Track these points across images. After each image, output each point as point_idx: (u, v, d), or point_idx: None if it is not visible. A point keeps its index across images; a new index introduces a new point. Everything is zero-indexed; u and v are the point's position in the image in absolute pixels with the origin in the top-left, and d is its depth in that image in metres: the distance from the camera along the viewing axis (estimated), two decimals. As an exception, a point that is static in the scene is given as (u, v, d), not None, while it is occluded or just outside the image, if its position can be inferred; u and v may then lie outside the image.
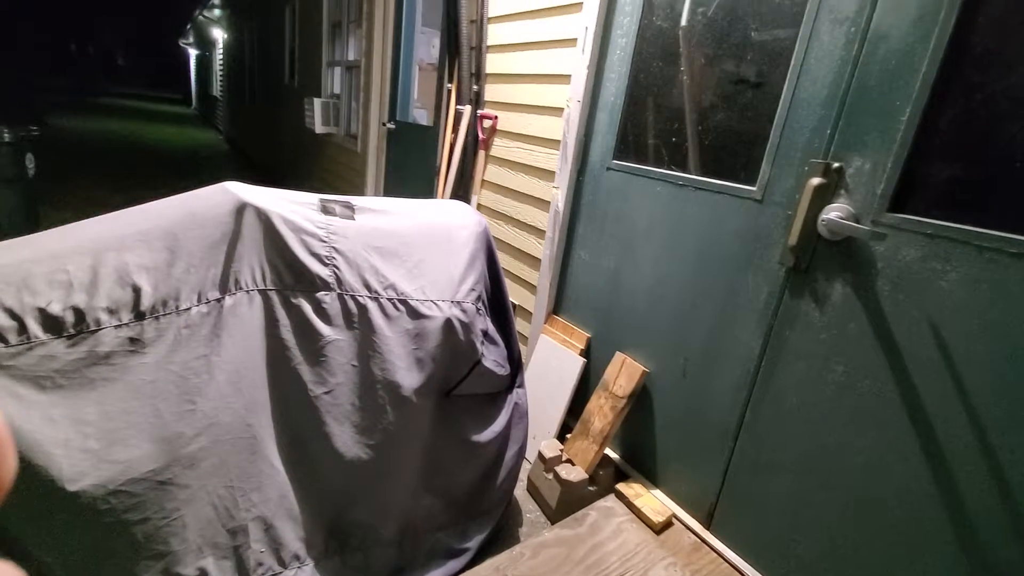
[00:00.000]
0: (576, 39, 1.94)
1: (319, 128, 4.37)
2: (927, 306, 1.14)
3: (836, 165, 1.27)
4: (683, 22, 1.66)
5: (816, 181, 1.28)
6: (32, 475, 1.06)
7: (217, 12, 11.98)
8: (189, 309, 1.26)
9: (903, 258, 1.17)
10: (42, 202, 3.86)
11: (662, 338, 1.74)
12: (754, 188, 1.46)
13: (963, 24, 1.09)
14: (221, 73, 13.02)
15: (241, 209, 1.34)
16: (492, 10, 2.49)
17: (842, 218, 1.24)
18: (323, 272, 1.38)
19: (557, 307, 2.22)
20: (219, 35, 13.00)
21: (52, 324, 1.12)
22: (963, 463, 1.09)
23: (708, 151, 1.63)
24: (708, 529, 1.61)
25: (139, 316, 1.20)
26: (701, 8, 1.60)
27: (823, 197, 1.28)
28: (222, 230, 1.31)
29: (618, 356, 1.87)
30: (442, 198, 2.75)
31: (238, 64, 10.59)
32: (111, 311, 1.18)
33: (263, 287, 1.35)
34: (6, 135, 3.26)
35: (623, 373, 1.82)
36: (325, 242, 1.41)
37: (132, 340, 1.19)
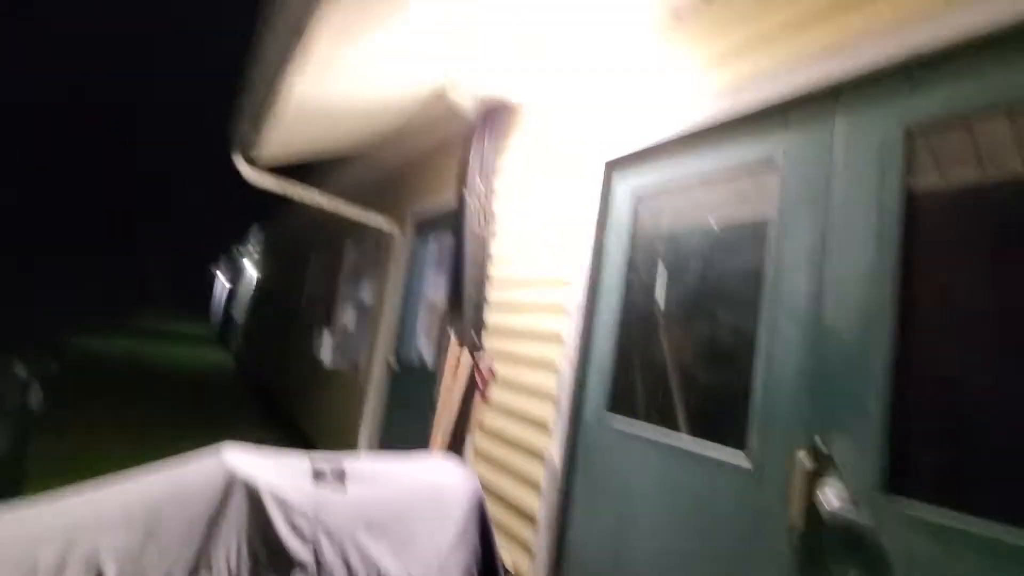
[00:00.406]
0: (566, 307, 2.18)
1: (327, 359, 4.58)
2: (955, 613, 1.04)
3: (823, 448, 1.29)
4: (658, 301, 1.88)
5: (806, 463, 1.29)
6: None
7: (250, 247, 13.64)
8: (147, 603, 1.15)
9: (911, 549, 1.11)
10: (40, 432, 3.81)
11: (674, 627, 1.54)
12: (746, 461, 1.46)
13: (905, 326, 1.23)
14: (246, 299, 14.18)
15: (230, 486, 1.33)
16: (493, 271, 2.84)
17: (840, 503, 1.22)
18: (302, 552, 1.30)
19: (557, 571, 2.01)
20: (248, 265, 14.57)
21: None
22: None
23: (695, 411, 1.69)
24: None
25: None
26: (673, 290, 1.84)
27: (816, 476, 1.28)
28: (206, 509, 1.29)
29: (627, 648, 1.63)
30: (438, 441, 2.73)
31: (261, 293, 11.63)
32: (65, 606, 1.08)
33: (235, 572, 1.25)
34: (22, 372, 3.38)
35: (634, 672, 1.56)
36: (311, 519, 1.36)
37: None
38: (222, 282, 21.92)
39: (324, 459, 1.56)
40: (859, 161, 1.39)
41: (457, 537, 1.49)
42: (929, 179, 1.31)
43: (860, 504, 1.21)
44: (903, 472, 1.19)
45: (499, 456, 2.44)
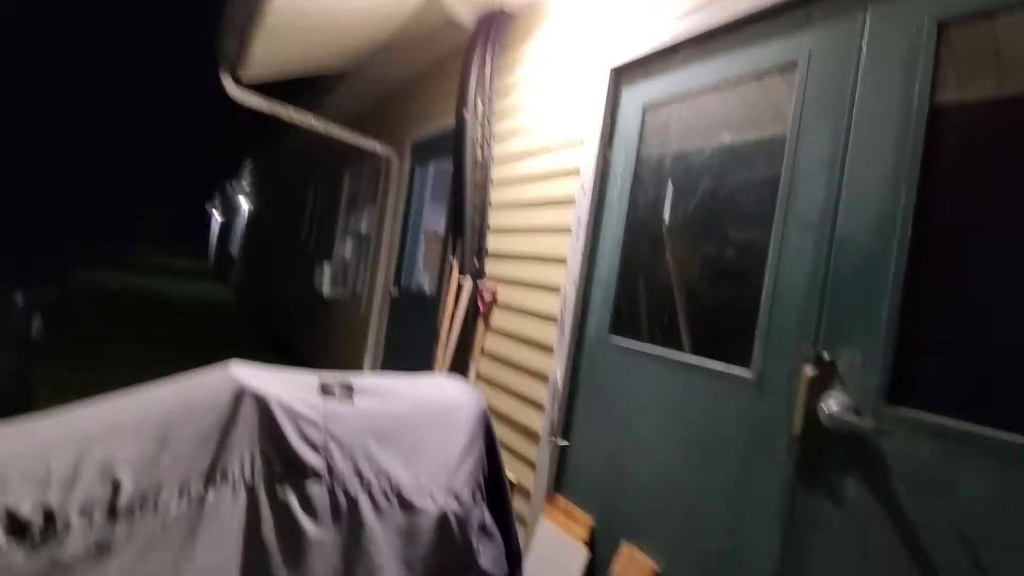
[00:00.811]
0: (570, 227, 2.13)
1: (327, 290, 4.59)
2: (950, 510, 1.07)
3: (827, 356, 1.30)
4: (665, 219, 1.84)
5: (810, 371, 1.30)
6: None
7: (244, 182, 13.35)
8: (168, 506, 1.19)
9: (912, 455, 1.14)
10: (41, 359, 3.88)
11: (671, 531, 1.62)
12: (749, 373, 1.47)
13: (920, 232, 1.19)
14: (241, 235, 14.04)
15: (240, 396, 1.34)
16: (494, 197, 2.77)
17: (842, 408, 1.24)
18: (315, 461, 1.33)
19: (558, 486, 2.10)
20: (243, 200, 14.31)
21: (18, 527, 1.05)
22: None
23: (700, 331, 1.69)
24: None
25: (113, 515, 1.13)
26: (680, 208, 1.79)
27: (819, 387, 1.29)
28: (217, 419, 1.30)
29: (625, 549, 1.71)
30: (441, 367, 2.77)
31: (257, 228, 11.50)
32: (84, 511, 1.11)
33: (250, 480, 1.28)
34: (20, 300, 3.39)
35: (631, 570, 1.65)
36: (320, 428, 1.38)
37: (99, 546, 1.10)
38: (217, 218, 21.65)
39: (331, 376, 1.57)
40: (886, 62, 1.30)
41: (464, 449, 1.53)
42: (955, 86, 1.23)
43: (862, 412, 1.23)
44: (907, 382, 1.19)
45: (502, 379, 2.48)
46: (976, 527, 1.04)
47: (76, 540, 1.09)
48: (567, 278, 2.11)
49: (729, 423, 1.51)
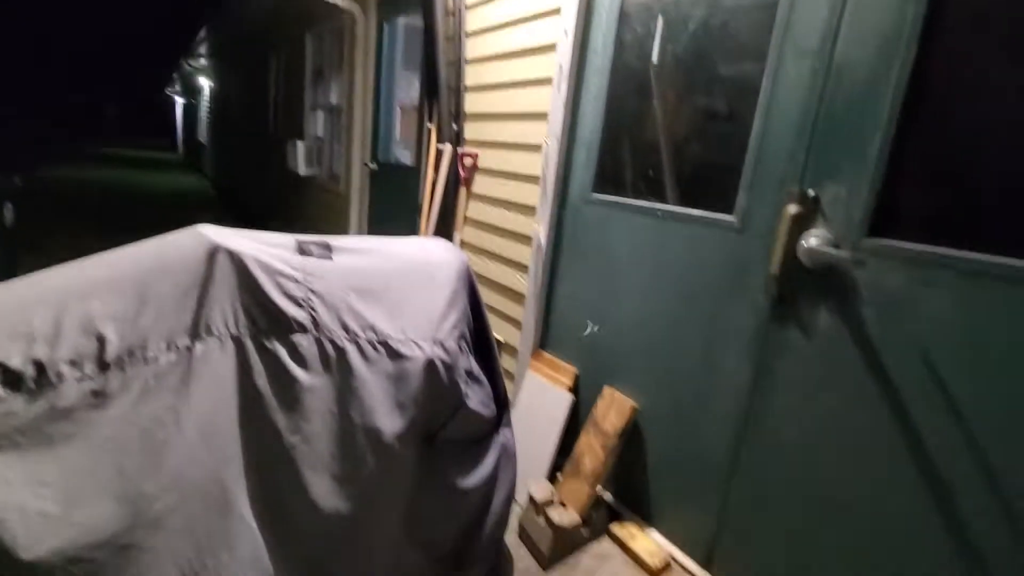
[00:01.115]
0: (551, 78, 1.98)
1: (302, 170, 4.40)
2: (914, 333, 1.12)
3: (812, 193, 1.27)
4: (653, 60, 1.70)
5: (793, 209, 1.28)
6: (-19, 544, 0.99)
7: (203, 61, 12.23)
8: (157, 358, 1.21)
9: (886, 284, 1.16)
10: (23, 249, 3.79)
11: (651, 372, 1.71)
12: (732, 217, 1.46)
13: (924, 54, 1.11)
14: (207, 120, 13.19)
15: (213, 253, 1.31)
16: (469, 52, 2.54)
17: (821, 245, 1.24)
18: (299, 314, 1.34)
19: (543, 342, 2.18)
20: (205, 83, 13.23)
21: (11, 379, 1.07)
22: (961, 485, 1.06)
23: (685, 182, 1.64)
24: (707, 569, 1.54)
25: (103, 367, 1.15)
26: (670, 46, 1.65)
27: (801, 225, 1.28)
28: (194, 275, 1.28)
29: (607, 391, 1.83)
30: (425, 235, 2.74)
31: (223, 110, 10.74)
32: (74, 363, 1.12)
33: (236, 333, 1.30)
34: (-18, 186, 3.22)
35: (613, 409, 1.78)
36: (301, 284, 1.37)
37: (95, 393, 1.13)
38: (180, 105, 20.15)
39: (307, 236, 1.54)
40: None
41: (447, 302, 1.55)
42: None
43: (841, 245, 1.23)
44: (888, 214, 1.18)
45: (486, 244, 2.47)
46: (936, 344, 1.09)
47: (71, 388, 1.11)
48: (549, 134, 2.01)
49: (709, 269, 1.52)
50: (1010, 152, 1.06)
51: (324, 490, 1.30)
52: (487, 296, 2.41)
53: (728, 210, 1.48)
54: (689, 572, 1.56)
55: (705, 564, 1.55)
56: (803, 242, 1.27)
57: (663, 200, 1.69)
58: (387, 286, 1.49)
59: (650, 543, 1.63)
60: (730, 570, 1.49)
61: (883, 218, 1.19)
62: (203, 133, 13.98)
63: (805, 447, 1.30)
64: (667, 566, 1.57)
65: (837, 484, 1.24)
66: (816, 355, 1.28)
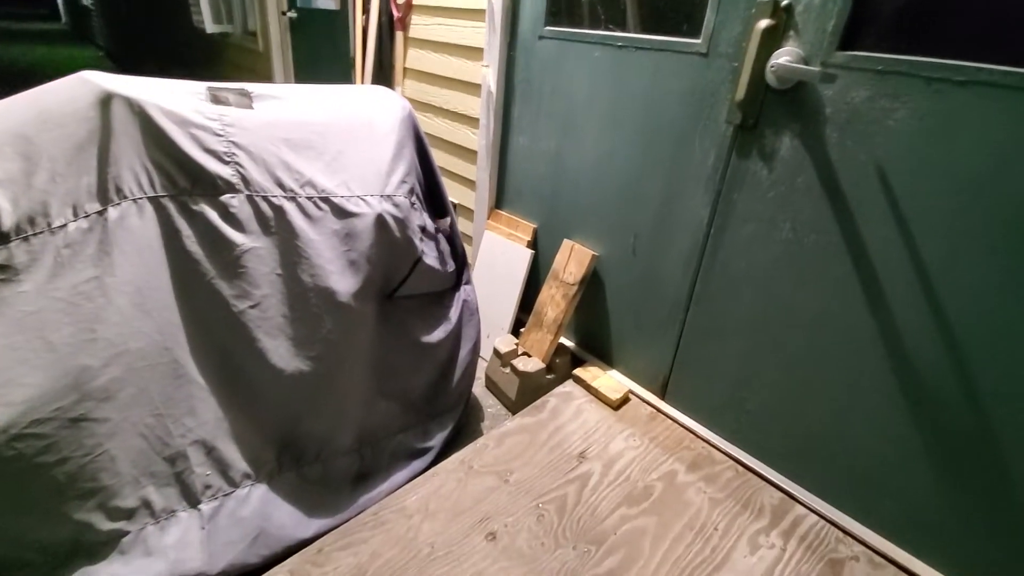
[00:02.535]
0: None
1: (210, 27, 3.79)
2: (874, 149, 1.10)
3: (785, 2, 1.16)
4: None
5: (764, 23, 1.17)
6: (-94, 430, 0.91)
7: None
8: (65, 226, 1.06)
9: (852, 100, 1.11)
10: None
11: (610, 219, 1.68)
12: (698, 40, 1.34)
13: None
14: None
15: (106, 101, 1.11)
16: None
17: (791, 63, 1.16)
18: (224, 172, 1.19)
19: (499, 201, 2.10)
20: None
21: None
22: (904, 304, 1.12)
23: (648, 5, 1.48)
24: (663, 399, 1.66)
25: (2, 239, 1.00)
26: None
27: (772, 41, 1.18)
28: (87, 128, 1.09)
29: (566, 244, 1.80)
30: (362, 93, 2.47)
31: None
32: (-39, 235, 0.98)
33: (152, 194, 1.15)
34: None
35: (572, 260, 1.77)
36: (221, 136, 1.20)
37: (1, 267, 1.00)
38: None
39: (221, 84, 1.33)
40: None
41: (393, 155, 1.42)
42: None
43: (811, 61, 1.15)
44: (861, 23, 1.09)
45: (431, 97, 2.25)
46: (895, 161, 1.08)
47: (-33, 264, 0.98)
48: (493, -46, 1.73)
49: (671, 102, 1.43)
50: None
51: (283, 353, 1.27)
52: (437, 157, 2.25)
53: (694, 33, 1.35)
54: (646, 402, 1.67)
55: (660, 394, 1.67)
56: (772, 63, 1.18)
57: (624, 28, 1.53)
58: (322, 137, 1.34)
59: (611, 381, 1.73)
60: (683, 397, 1.61)
61: (857, 27, 1.10)
62: (84, -7, 11.80)
63: (757, 277, 1.34)
64: (626, 399, 1.68)
65: (785, 310, 1.30)
66: (774, 182, 1.26)
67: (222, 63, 4.48)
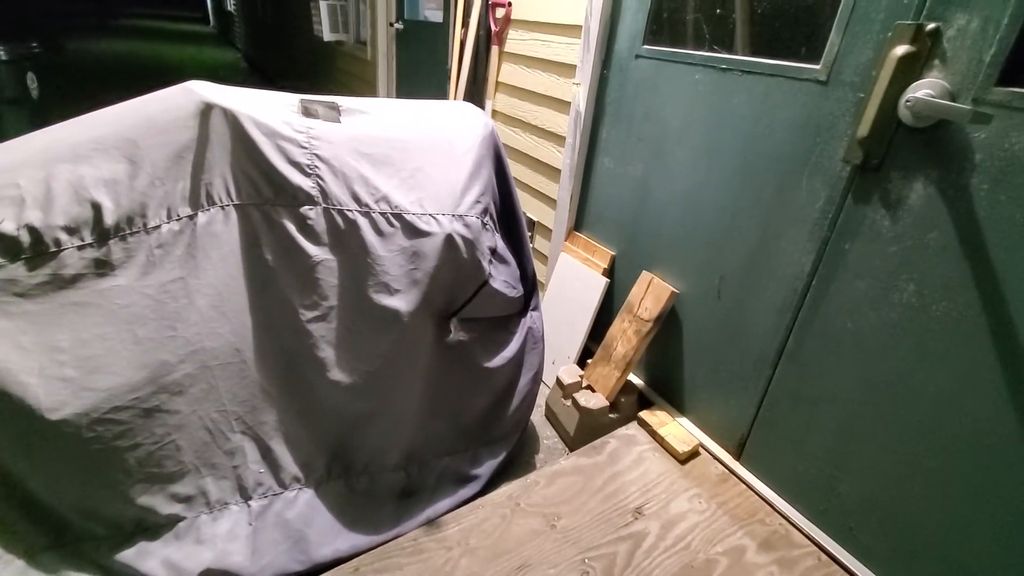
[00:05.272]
0: None
1: (327, 35, 4.05)
2: (1038, 208, 0.89)
3: (931, 27, 0.98)
4: None
5: (902, 50, 1.00)
6: (7, 405, 1.01)
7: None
8: (159, 227, 1.13)
9: (1011, 146, 0.91)
10: (52, 122, 3.77)
11: (695, 255, 1.54)
12: (818, 66, 1.18)
13: None
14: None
15: (206, 111, 1.17)
16: None
17: (934, 97, 0.98)
18: (305, 184, 1.22)
19: (579, 223, 2.01)
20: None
21: (7, 245, 1.02)
22: (1060, 399, 0.90)
23: (761, 24, 1.33)
24: (738, 460, 1.49)
25: (103, 236, 1.08)
26: None
27: (910, 71, 1.01)
28: (186, 136, 1.16)
29: (644, 276, 1.68)
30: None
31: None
32: (70, 230, 1.06)
33: (239, 202, 1.20)
34: (3, 54, 3.12)
35: (649, 294, 1.65)
36: (306, 148, 1.23)
37: (99, 263, 1.08)
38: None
39: (313, 96, 1.37)
40: None
41: (470, 175, 1.39)
42: None
43: (960, 97, 0.96)
44: (1033, 56, 0.89)
45: (520, 112, 2.22)
46: (1066, 224, 0.87)
47: (72, 257, 1.07)
48: (595, -31, 1.66)
49: (778, 134, 1.28)
50: None
51: (342, 365, 1.27)
52: (520, 172, 2.22)
53: (813, 58, 1.19)
54: (718, 460, 1.51)
55: (736, 454, 1.50)
56: (909, 95, 1.01)
57: (730, 49, 1.39)
58: (402, 153, 1.33)
59: (680, 430, 1.58)
60: (762, 462, 1.43)
61: (1020, 61, 0.90)
62: (231, 3, 13.21)
63: (866, 342, 1.15)
64: (695, 453, 1.53)
65: (898, 384, 1.10)
66: (899, 236, 1.07)
67: (335, 69, 4.77)
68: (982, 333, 0.97)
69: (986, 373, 0.97)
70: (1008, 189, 0.92)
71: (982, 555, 1.01)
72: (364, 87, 3.87)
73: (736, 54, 1.37)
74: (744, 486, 1.44)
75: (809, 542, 1.29)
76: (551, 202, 2.09)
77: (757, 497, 1.41)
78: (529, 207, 2.21)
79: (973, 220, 0.97)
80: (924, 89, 0.99)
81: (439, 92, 2.78)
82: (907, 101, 1.00)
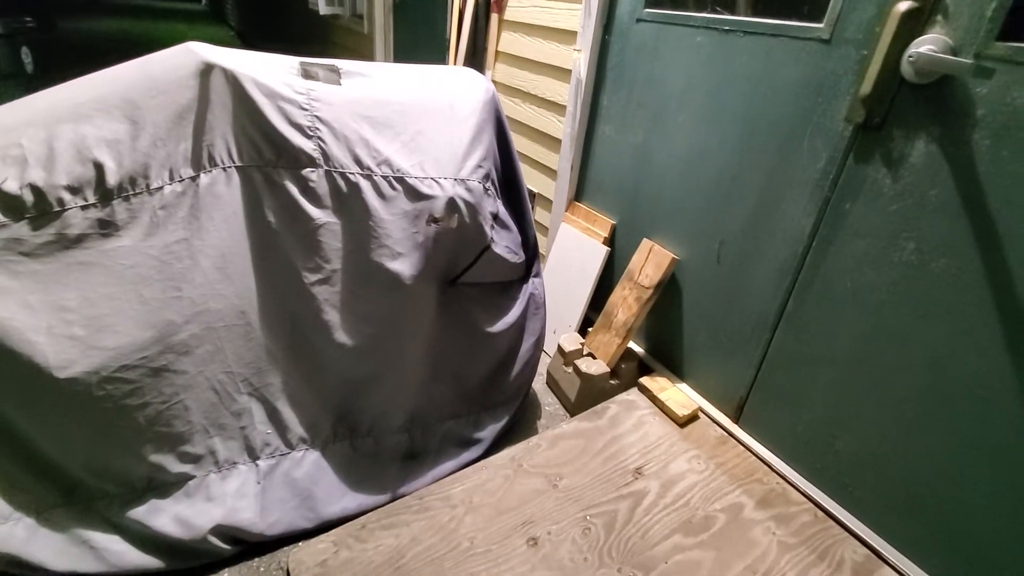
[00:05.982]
0: None
1: (323, 9, 3.98)
2: (1038, 161, 0.90)
3: (937, -20, 0.97)
4: None
5: (904, 6, 1.00)
6: (15, 363, 1.02)
7: None
8: (162, 188, 1.13)
9: (1013, 101, 0.92)
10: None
11: (695, 221, 1.55)
12: (821, 25, 1.17)
13: None
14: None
15: (207, 71, 1.16)
16: None
17: (936, 52, 0.98)
18: (307, 146, 1.22)
19: (579, 193, 2.01)
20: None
21: (11, 204, 1.02)
22: (1054, 350, 0.91)
23: (764, -15, 1.32)
24: (736, 423, 1.52)
25: (106, 195, 1.08)
26: None
27: (912, 26, 1.00)
28: (187, 96, 1.15)
29: (645, 243, 1.69)
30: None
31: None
32: (73, 190, 1.06)
33: (240, 163, 1.20)
34: (-1, 27, 3.08)
35: (650, 261, 1.66)
36: (307, 110, 1.23)
37: (103, 223, 1.09)
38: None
39: (313, 59, 1.35)
40: None
41: (471, 139, 1.38)
42: None
43: (962, 52, 0.96)
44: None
45: (519, 81, 2.20)
46: (1065, 176, 0.88)
47: (76, 216, 1.07)
48: (597, -69, 1.63)
49: (780, 95, 1.27)
50: None
51: (347, 327, 1.29)
52: (520, 143, 2.21)
53: (816, 16, 1.18)
54: (717, 423, 1.54)
55: (734, 417, 1.52)
56: (911, 51, 1.01)
57: (732, 10, 1.38)
58: (404, 117, 1.33)
59: (680, 394, 1.61)
60: (760, 423, 1.46)
61: (1020, 16, 0.90)
62: (223, -23, 12.94)
63: (865, 301, 1.16)
64: (694, 417, 1.56)
65: (897, 343, 1.12)
66: (900, 194, 1.08)
67: (331, 44, 4.70)
68: (981, 289, 0.99)
69: (983, 329, 0.99)
70: (1009, 144, 0.93)
71: (975, 507, 1.04)
72: (357, 51, 3.82)
73: (738, 15, 1.36)
74: (742, 448, 1.47)
75: (806, 499, 1.32)
76: (551, 173, 2.08)
77: (755, 458, 1.44)
78: (529, 178, 2.21)
79: (974, 176, 0.98)
80: (927, 45, 0.99)
81: (437, 63, 2.75)
82: (909, 57, 1.00)
